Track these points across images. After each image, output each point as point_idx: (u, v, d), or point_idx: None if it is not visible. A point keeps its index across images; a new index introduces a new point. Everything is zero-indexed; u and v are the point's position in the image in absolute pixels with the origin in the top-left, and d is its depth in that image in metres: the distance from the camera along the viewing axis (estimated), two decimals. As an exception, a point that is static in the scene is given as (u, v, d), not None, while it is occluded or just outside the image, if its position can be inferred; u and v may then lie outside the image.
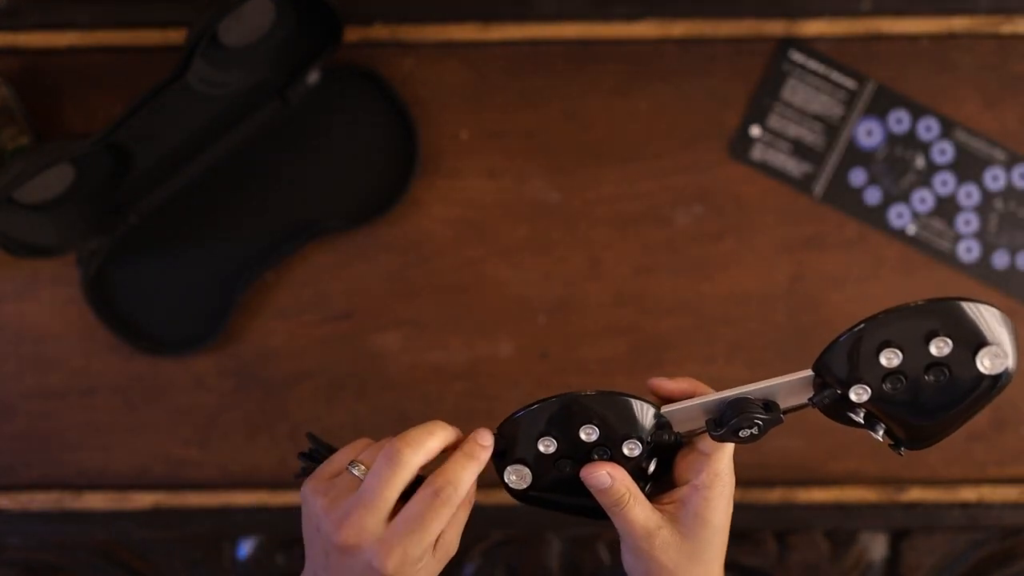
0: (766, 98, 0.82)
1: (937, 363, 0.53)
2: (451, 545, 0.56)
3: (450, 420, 0.79)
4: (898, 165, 0.82)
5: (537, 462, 0.57)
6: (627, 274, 0.82)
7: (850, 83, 0.82)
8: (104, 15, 0.81)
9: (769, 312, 0.82)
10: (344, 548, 0.53)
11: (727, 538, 0.58)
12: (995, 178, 0.82)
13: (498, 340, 0.82)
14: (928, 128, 0.82)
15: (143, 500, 0.83)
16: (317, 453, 0.59)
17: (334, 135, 0.81)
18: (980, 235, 0.82)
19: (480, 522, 0.83)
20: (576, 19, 0.81)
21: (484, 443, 0.56)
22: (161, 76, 0.72)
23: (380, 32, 0.81)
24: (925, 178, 0.82)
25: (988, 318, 0.52)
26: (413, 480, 0.55)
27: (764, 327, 0.82)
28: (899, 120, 0.82)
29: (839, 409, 0.56)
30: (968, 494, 0.82)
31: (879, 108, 0.82)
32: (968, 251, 0.82)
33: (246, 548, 0.83)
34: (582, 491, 0.57)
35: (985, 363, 0.53)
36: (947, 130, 0.82)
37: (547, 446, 0.56)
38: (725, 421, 0.55)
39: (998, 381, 0.53)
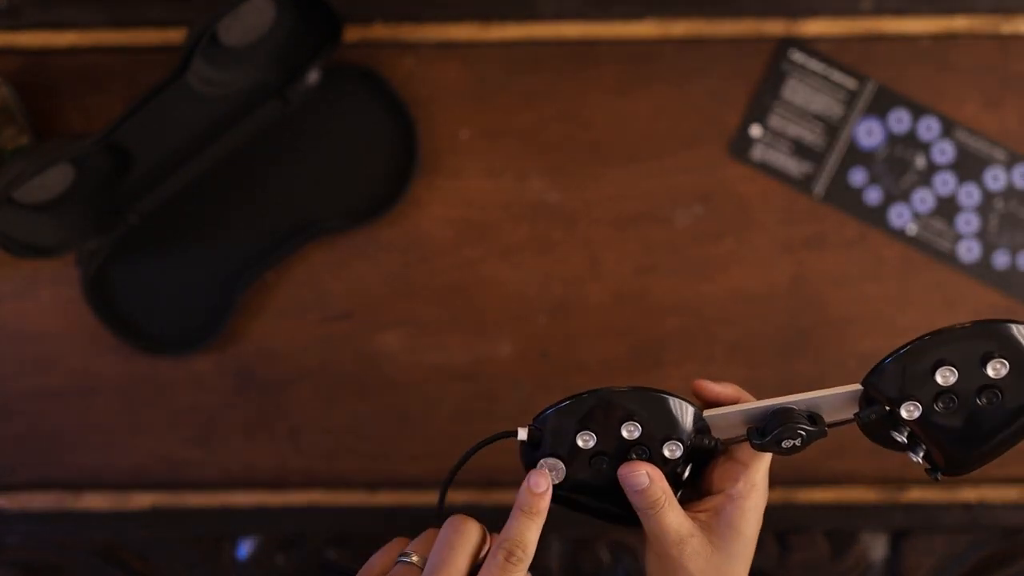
0: (766, 98, 0.82)
1: (991, 385, 0.52)
2: None
3: (450, 420, 0.80)
4: (898, 165, 0.82)
5: (572, 457, 0.55)
6: (627, 274, 0.82)
7: (850, 83, 0.82)
8: (104, 15, 0.81)
9: (769, 312, 0.82)
10: None
11: (754, 550, 0.58)
12: (995, 178, 0.82)
13: (498, 340, 0.82)
14: (928, 128, 0.82)
15: (143, 500, 0.83)
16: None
17: (334, 135, 0.81)
18: (980, 235, 0.82)
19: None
20: (576, 19, 0.81)
21: (539, 491, 0.54)
22: (161, 76, 0.72)
23: (380, 32, 0.81)
24: (925, 178, 0.82)
25: None
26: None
27: (764, 327, 0.82)
28: (899, 120, 0.82)
29: (883, 427, 0.55)
30: (968, 494, 0.82)
31: (879, 108, 0.82)
32: (969, 251, 0.82)
33: (246, 548, 0.83)
34: (613, 492, 0.55)
35: None
36: (947, 130, 0.82)
37: (586, 441, 0.54)
38: (768, 430, 0.54)
39: None
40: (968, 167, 0.82)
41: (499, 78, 0.82)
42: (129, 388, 0.83)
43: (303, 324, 0.82)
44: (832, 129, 0.82)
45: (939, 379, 0.53)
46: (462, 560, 0.52)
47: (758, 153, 0.82)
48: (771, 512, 0.82)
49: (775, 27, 0.81)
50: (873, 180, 0.82)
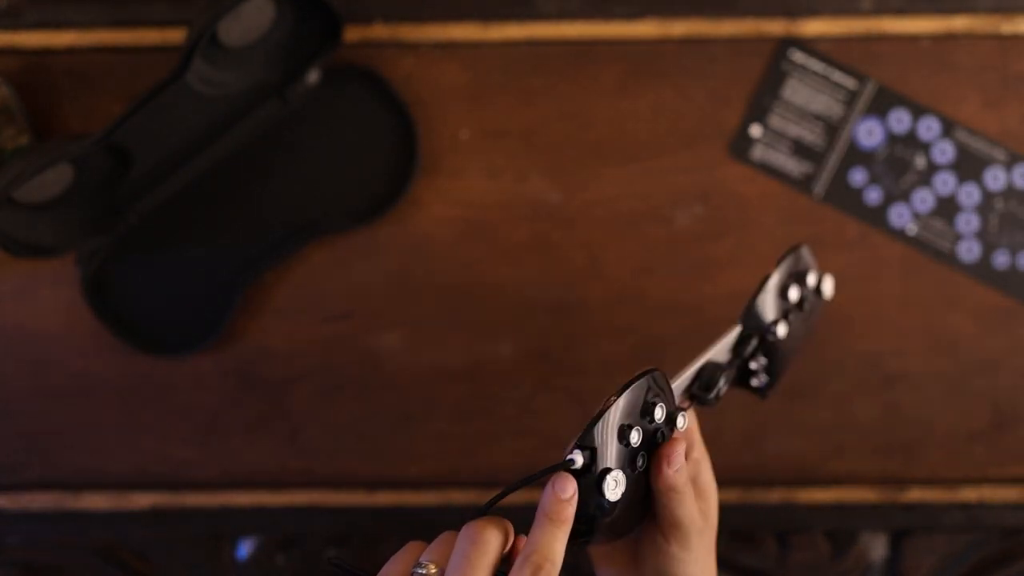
0: (766, 98, 0.82)
1: (804, 295, 0.65)
2: None
3: (450, 420, 0.80)
4: (898, 165, 0.82)
5: (623, 462, 0.52)
6: (627, 274, 0.82)
7: (850, 83, 0.82)
8: (104, 15, 0.81)
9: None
10: None
11: None
12: (995, 178, 0.82)
13: (498, 340, 0.82)
14: (928, 128, 0.82)
15: (142, 500, 0.83)
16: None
17: (334, 135, 0.81)
18: (981, 235, 0.82)
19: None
20: (576, 19, 0.81)
21: (565, 497, 0.50)
22: (160, 76, 0.72)
23: (380, 32, 0.81)
24: (925, 178, 0.82)
25: (812, 256, 0.67)
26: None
27: (764, 327, 0.82)
28: (899, 120, 0.82)
29: (745, 362, 0.63)
30: (968, 494, 0.82)
31: (879, 108, 0.82)
32: (969, 251, 0.82)
33: (246, 548, 0.83)
34: (634, 496, 0.54)
35: (827, 288, 0.67)
36: (947, 130, 0.82)
37: (635, 437, 0.52)
38: (709, 386, 0.58)
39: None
40: (968, 167, 0.82)
41: (499, 78, 0.82)
42: (129, 388, 0.82)
43: (303, 324, 0.82)
44: (832, 129, 0.82)
45: (792, 296, 0.64)
46: (481, 573, 0.49)
47: (758, 153, 0.82)
48: (771, 512, 0.83)
49: (775, 27, 0.81)
50: (873, 180, 0.82)
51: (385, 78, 0.81)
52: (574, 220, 0.82)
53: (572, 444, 0.51)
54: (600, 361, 0.82)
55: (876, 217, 0.82)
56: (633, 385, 0.52)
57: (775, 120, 0.82)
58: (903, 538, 0.83)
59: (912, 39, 0.81)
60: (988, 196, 0.82)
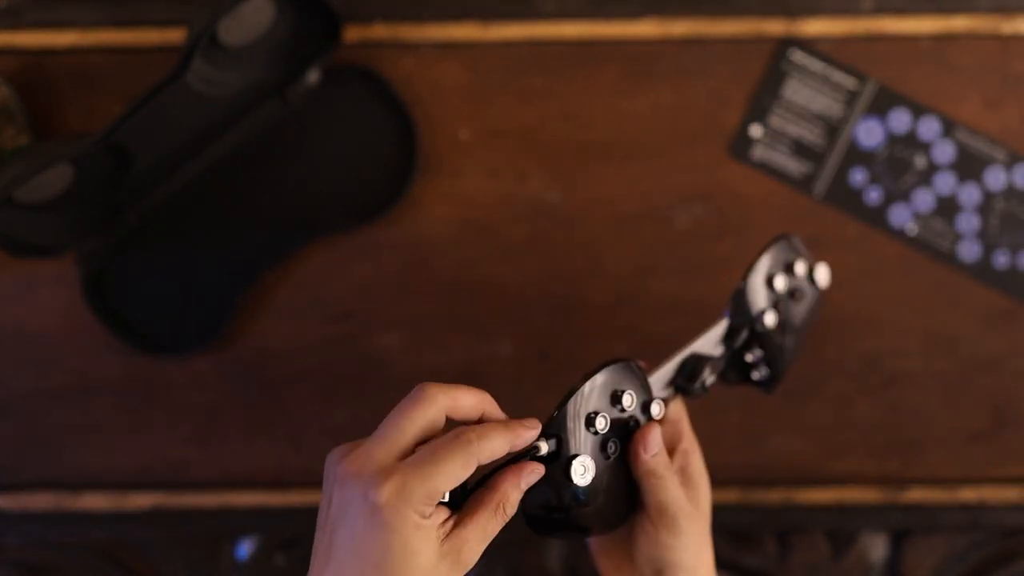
0: (766, 98, 0.82)
1: (796, 285, 0.66)
2: (469, 551, 0.51)
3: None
4: (899, 165, 0.82)
5: (592, 448, 0.54)
6: (627, 274, 0.82)
7: (850, 83, 0.82)
8: (104, 15, 0.81)
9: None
10: (345, 477, 0.48)
11: None
12: (996, 178, 0.82)
13: (498, 340, 0.82)
14: (929, 128, 0.82)
15: (142, 500, 0.83)
16: None
17: (334, 135, 0.81)
18: (981, 235, 0.82)
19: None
20: (576, 19, 0.81)
21: (529, 425, 0.52)
22: (161, 76, 0.72)
23: (380, 32, 0.81)
24: (926, 178, 0.82)
25: (802, 246, 0.67)
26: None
27: (764, 327, 0.82)
28: (900, 120, 0.82)
29: (739, 356, 0.64)
30: (969, 494, 0.82)
31: (880, 108, 0.82)
32: (969, 251, 0.82)
33: (246, 548, 0.83)
34: (612, 487, 0.56)
35: (821, 276, 0.67)
36: (948, 130, 0.82)
37: (601, 423, 0.54)
38: (693, 376, 0.59)
39: (821, 294, 0.67)
40: (968, 167, 0.82)
41: (499, 78, 0.82)
42: (129, 388, 0.83)
43: (303, 324, 0.82)
44: (832, 129, 0.82)
45: (778, 286, 0.64)
46: (409, 425, 0.50)
47: (758, 153, 0.82)
48: (771, 513, 0.83)
49: (775, 27, 0.81)
50: (873, 180, 0.82)
51: (385, 78, 0.81)
52: (574, 220, 0.82)
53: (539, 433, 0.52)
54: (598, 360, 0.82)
55: (876, 217, 0.82)
56: (597, 374, 0.54)
57: (775, 120, 0.82)
58: (903, 538, 0.83)
59: (912, 39, 0.81)
60: (988, 196, 0.82)
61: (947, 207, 0.82)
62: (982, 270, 0.82)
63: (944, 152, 0.82)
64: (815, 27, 0.81)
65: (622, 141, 0.82)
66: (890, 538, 0.83)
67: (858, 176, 0.82)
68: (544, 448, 0.52)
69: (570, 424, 0.53)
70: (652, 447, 0.56)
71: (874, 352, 0.82)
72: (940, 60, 0.81)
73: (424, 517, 0.49)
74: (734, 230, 0.82)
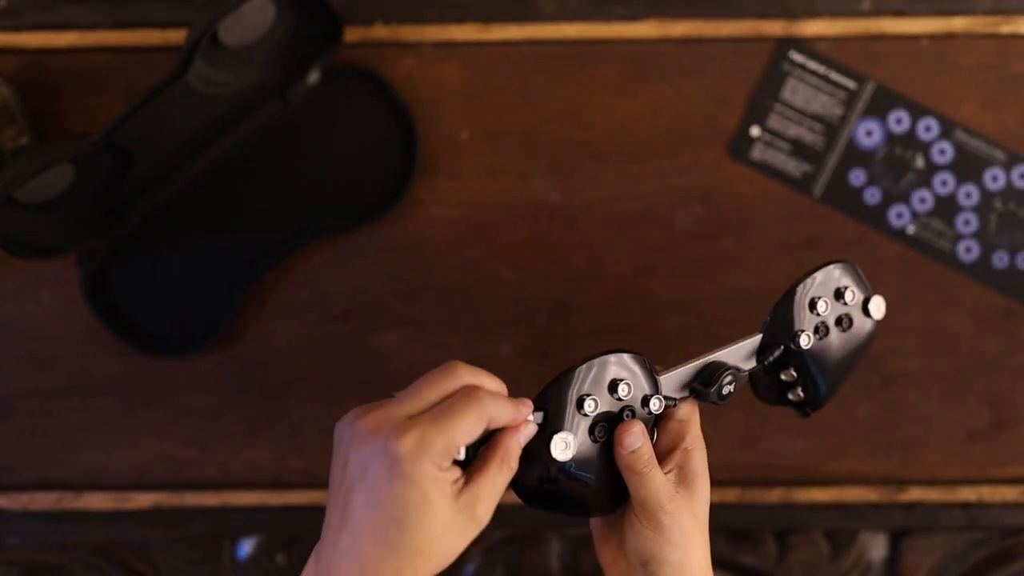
0: (766, 98, 0.82)
1: (845, 313, 0.64)
2: (484, 505, 0.52)
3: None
4: (898, 165, 0.82)
5: (578, 428, 0.56)
6: (627, 274, 0.82)
7: (850, 83, 0.82)
8: (104, 15, 0.81)
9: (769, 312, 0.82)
10: (365, 434, 0.50)
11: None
12: (995, 178, 0.82)
13: (498, 340, 0.82)
14: (928, 128, 0.82)
15: (143, 500, 0.83)
16: None
17: (334, 135, 0.82)
18: (980, 235, 0.82)
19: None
20: (576, 19, 0.81)
21: (527, 405, 0.54)
22: (161, 76, 0.72)
23: (380, 32, 0.81)
24: (925, 178, 0.82)
25: (863, 275, 0.65)
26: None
27: (764, 327, 0.82)
28: (899, 120, 0.82)
29: (774, 371, 0.64)
30: (968, 494, 0.83)
31: (879, 108, 0.82)
32: (968, 251, 0.82)
33: (246, 548, 0.84)
34: (605, 468, 0.57)
35: (873, 309, 0.65)
36: (947, 130, 0.82)
37: (590, 406, 0.56)
38: (711, 382, 0.59)
39: (876, 327, 0.65)
40: (967, 167, 0.82)
41: (499, 78, 0.82)
42: (129, 388, 0.83)
43: (303, 324, 0.82)
44: (831, 129, 0.82)
45: (820, 308, 0.63)
46: (431, 393, 0.52)
47: (757, 153, 0.82)
48: (771, 512, 0.83)
49: (775, 27, 0.81)
50: (872, 180, 0.82)
51: (385, 78, 0.81)
52: (574, 220, 0.82)
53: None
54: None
55: (875, 217, 0.82)
56: (596, 359, 0.56)
57: (775, 120, 0.82)
58: (902, 538, 0.83)
59: (911, 39, 0.81)
60: (987, 196, 0.82)
61: (946, 207, 0.82)
62: (981, 270, 0.82)
63: (943, 152, 0.82)
64: (814, 28, 0.81)
65: (622, 141, 0.82)
66: (889, 538, 0.84)
67: (857, 176, 0.82)
68: (531, 418, 0.55)
69: (561, 402, 0.56)
70: (628, 443, 0.57)
71: (874, 352, 0.82)
72: (939, 60, 0.82)
73: (441, 471, 0.50)
74: (734, 230, 0.82)
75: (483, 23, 0.81)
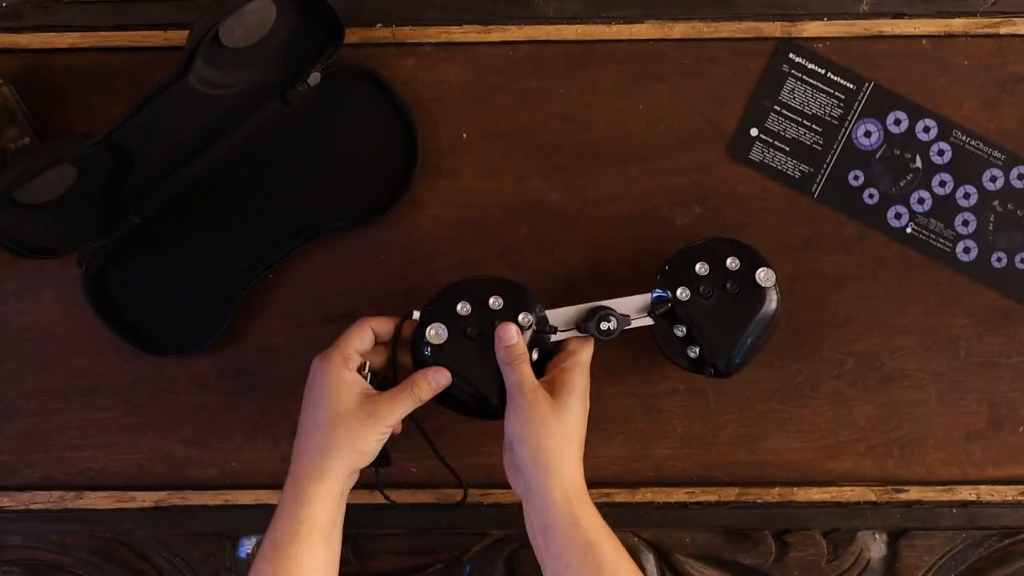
0: (765, 99, 0.82)
1: (732, 276, 0.75)
2: (384, 406, 0.70)
3: (450, 419, 0.80)
4: (896, 166, 0.83)
5: (452, 323, 0.72)
6: (627, 274, 0.82)
7: (848, 84, 0.82)
8: (105, 16, 0.81)
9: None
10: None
11: (585, 424, 0.73)
12: (993, 178, 0.82)
13: (498, 340, 0.82)
14: (926, 129, 0.82)
15: (144, 499, 0.83)
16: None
17: (335, 136, 0.82)
18: (978, 235, 0.83)
19: (479, 521, 0.83)
20: (576, 21, 0.81)
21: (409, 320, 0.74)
22: (162, 77, 0.73)
23: (381, 33, 0.82)
24: (923, 179, 0.82)
25: (755, 249, 0.75)
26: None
27: (763, 327, 0.82)
28: (897, 121, 0.82)
29: (668, 327, 0.75)
30: (967, 494, 0.83)
31: (877, 109, 0.82)
32: (966, 251, 0.83)
33: (247, 547, 0.84)
34: (481, 366, 0.72)
35: (761, 277, 0.74)
36: (945, 131, 0.82)
37: (464, 308, 0.72)
38: (591, 319, 0.73)
39: (772, 293, 0.75)
40: (966, 168, 0.82)
41: (499, 79, 0.82)
42: (130, 388, 0.83)
43: (303, 324, 0.83)
44: (830, 130, 0.82)
45: (698, 270, 0.75)
46: (352, 339, 0.72)
47: (757, 154, 0.82)
48: (770, 511, 0.83)
49: (773, 29, 0.82)
50: (871, 181, 0.83)
51: (386, 79, 0.81)
52: (574, 220, 0.82)
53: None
54: (600, 361, 0.82)
55: (874, 217, 0.83)
56: (475, 279, 0.74)
57: (774, 121, 0.82)
58: (901, 537, 0.83)
59: (910, 40, 0.82)
60: (986, 196, 0.83)
61: (945, 208, 0.82)
62: (980, 270, 0.83)
63: (941, 153, 0.82)
64: (813, 29, 0.81)
65: (622, 142, 0.82)
66: (888, 537, 0.84)
67: (856, 177, 0.83)
68: (415, 314, 0.73)
69: (440, 305, 0.73)
70: (504, 337, 0.72)
71: (873, 352, 0.82)
72: (938, 61, 0.82)
73: (348, 370, 0.71)
74: (733, 230, 0.82)
75: (483, 24, 0.81)
